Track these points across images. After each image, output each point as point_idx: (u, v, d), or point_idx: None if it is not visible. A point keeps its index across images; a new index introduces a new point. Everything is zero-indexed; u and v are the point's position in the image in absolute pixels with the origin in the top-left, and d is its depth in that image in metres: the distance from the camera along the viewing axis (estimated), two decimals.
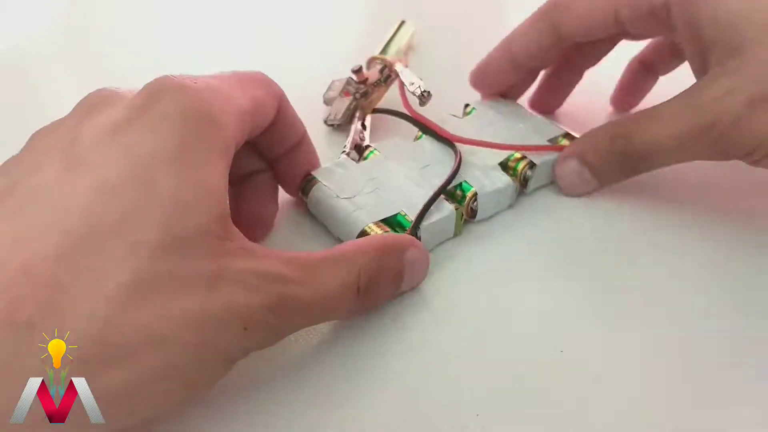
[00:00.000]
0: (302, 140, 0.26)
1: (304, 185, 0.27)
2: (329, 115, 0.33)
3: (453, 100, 0.32)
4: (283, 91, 0.24)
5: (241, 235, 0.19)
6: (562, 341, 0.23)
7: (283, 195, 0.28)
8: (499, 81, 0.32)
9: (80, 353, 0.15)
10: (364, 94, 0.33)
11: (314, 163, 0.27)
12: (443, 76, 0.33)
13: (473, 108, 0.32)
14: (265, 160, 0.26)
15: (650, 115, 0.27)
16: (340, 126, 0.33)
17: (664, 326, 0.23)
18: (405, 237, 0.24)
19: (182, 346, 0.16)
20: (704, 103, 0.25)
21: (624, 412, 0.21)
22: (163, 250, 0.16)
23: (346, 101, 0.33)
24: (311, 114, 0.29)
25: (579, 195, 0.29)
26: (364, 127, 0.32)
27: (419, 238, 0.25)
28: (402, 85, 0.31)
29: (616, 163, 0.27)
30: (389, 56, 0.35)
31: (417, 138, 0.30)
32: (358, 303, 0.21)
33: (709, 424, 0.20)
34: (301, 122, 0.25)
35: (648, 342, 0.23)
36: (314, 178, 0.27)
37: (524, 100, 0.34)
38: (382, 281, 0.22)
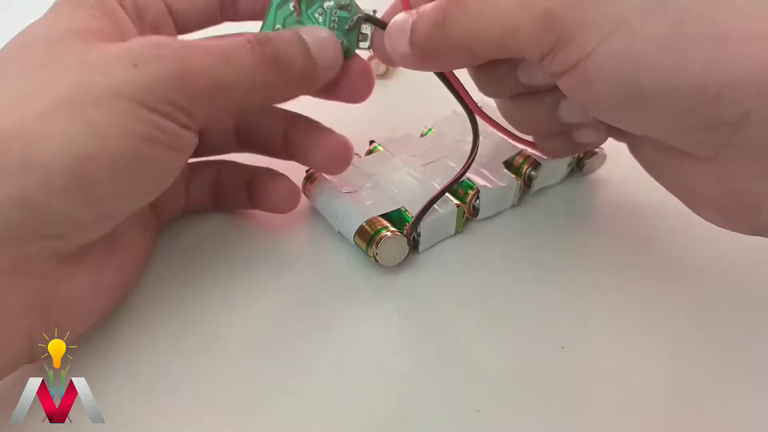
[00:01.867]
0: None
1: (306, 179, 0.27)
2: None
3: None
4: None
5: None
6: (562, 338, 0.23)
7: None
8: None
9: None
10: None
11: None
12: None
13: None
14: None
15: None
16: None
17: (665, 325, 0.23)
18: None
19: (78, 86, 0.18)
20: None
21: (624, 409, 0.21)
22: (32, 46, 0.19)
23: None
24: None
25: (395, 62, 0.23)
26: None
27: (419, 235, 0.25)
28: None
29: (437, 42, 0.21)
30: None
31: (423, 134, 0.30)
32: (263, 62, 0.20)
33: (708, 422, 0.21)
34: None
35: (648, 340, 0.23)
36: (317, 172, 0.27)
37: None
38: (276, 40, 0.21)
